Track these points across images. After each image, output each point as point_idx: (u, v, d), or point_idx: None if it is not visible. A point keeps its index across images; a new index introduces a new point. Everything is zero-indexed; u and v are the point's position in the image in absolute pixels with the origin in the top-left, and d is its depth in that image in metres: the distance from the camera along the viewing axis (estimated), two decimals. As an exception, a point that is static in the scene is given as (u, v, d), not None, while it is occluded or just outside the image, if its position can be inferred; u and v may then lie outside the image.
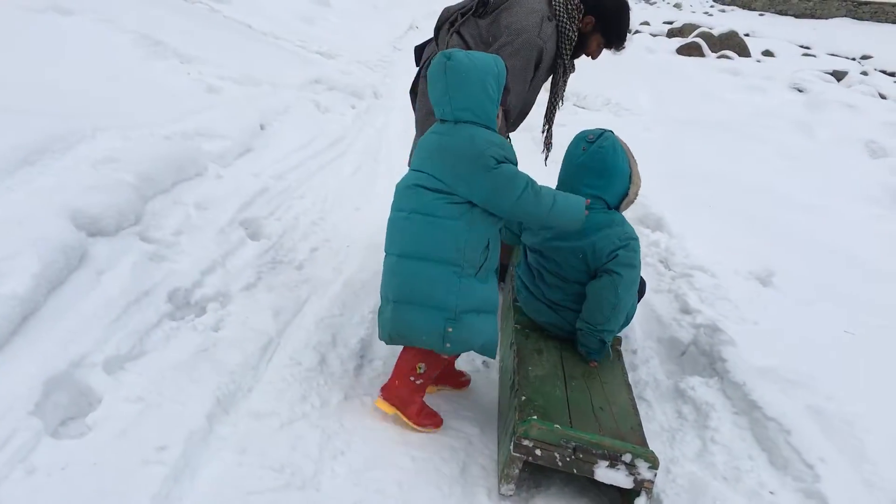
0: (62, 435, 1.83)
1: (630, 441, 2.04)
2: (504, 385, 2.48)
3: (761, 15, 25.69)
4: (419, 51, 3.05)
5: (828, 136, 7.53)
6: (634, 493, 2.01)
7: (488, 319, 2.20)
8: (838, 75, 12.51)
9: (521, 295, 2.69)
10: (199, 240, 2.83)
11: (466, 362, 2.66)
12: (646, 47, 13.58)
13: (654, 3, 28.80)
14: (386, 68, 8.41)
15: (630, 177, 2.51)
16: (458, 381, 2.55)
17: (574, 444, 1.99)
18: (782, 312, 3.23)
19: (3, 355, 1.88)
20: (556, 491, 2.14)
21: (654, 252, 3.83)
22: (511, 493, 2.06)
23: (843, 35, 19.27)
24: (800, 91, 10.57)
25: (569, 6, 2.76)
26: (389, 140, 5.50)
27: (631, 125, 6.69)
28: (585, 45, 2.88)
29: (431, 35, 3.00)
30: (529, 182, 2.13)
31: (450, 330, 2.11)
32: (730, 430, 2.44)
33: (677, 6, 27.65)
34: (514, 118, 2.92)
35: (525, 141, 4.75)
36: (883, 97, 11.02)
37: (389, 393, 2.24)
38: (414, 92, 3.05)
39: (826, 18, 24.27)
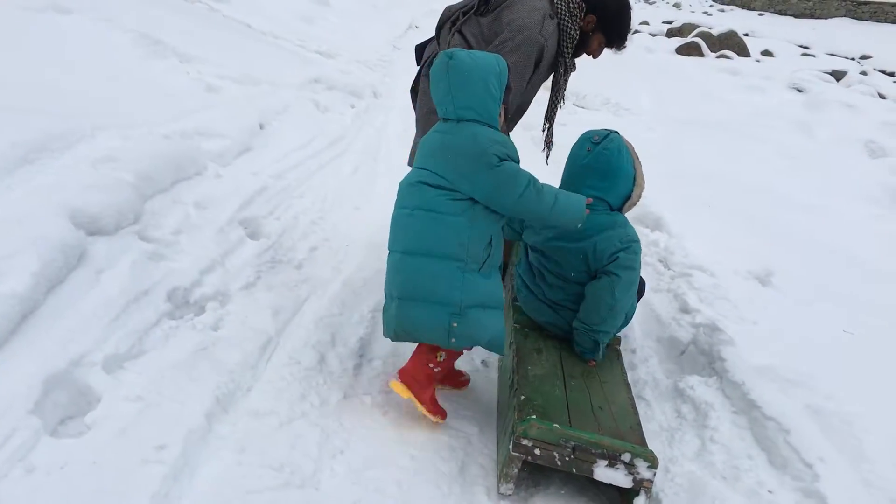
0: (61, 434, 1.83)
1: (629, 440, 2.04)
2: (503, 384, 2.49)
3: (760, 15, 25.71)
4: (420, 50, 3.05)
5: (827, 135, 7.54)
6: (633, 492, 2.01)
7: (494, 315, 2.20)
8: (837, 75, 12.53)
9: (521, 294, 2.69)
10: (198, 239, 2.83)
11: (466, 362, 2.66)
12: (645, 47, 13.59)
13: (654, 2, 28.81)
14: (385, 68, 8.41)
15: (634, 179, 2.51)
16: (458, 380, 2.55)
17: (573, 443, 1.99)
18: (781, 312, 3.23)
19: (3, 354, 1.87)
20: (554, 490, 2.14)
21: (654, 251, 3.83)
22: (510, 492, 2.06)
23: (842, 35, 19.29)
24: (799, 91, 10.59)
25: (571, 5, 2.76)
26: (389, 139, 5.50)
27: (630, 125, 6.69)
28: (587, 44, 2.88)
29: (431, 34, 3.00)
30: (531, 180, 2.15)
31: (455, 325, 2.11)
32: (729, 429, 2.44)
33: (676, 6, 27.66)
34: (511, 115, 2.91)
35: (525, 140, 4.76)
36: (882, 97, 11.04)
37: (407, 376, 2.23)
38: (414, 91, 3.05)
39: (825, 18, 24.30)
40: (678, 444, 2.40)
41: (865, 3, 24.16)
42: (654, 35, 17.11)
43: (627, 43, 2.93)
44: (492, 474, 2.15)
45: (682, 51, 13.87)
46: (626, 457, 1.97)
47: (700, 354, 2.89)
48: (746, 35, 16.62)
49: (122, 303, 2.26)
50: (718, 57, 13.56)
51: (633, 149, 2.54)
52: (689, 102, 8.66)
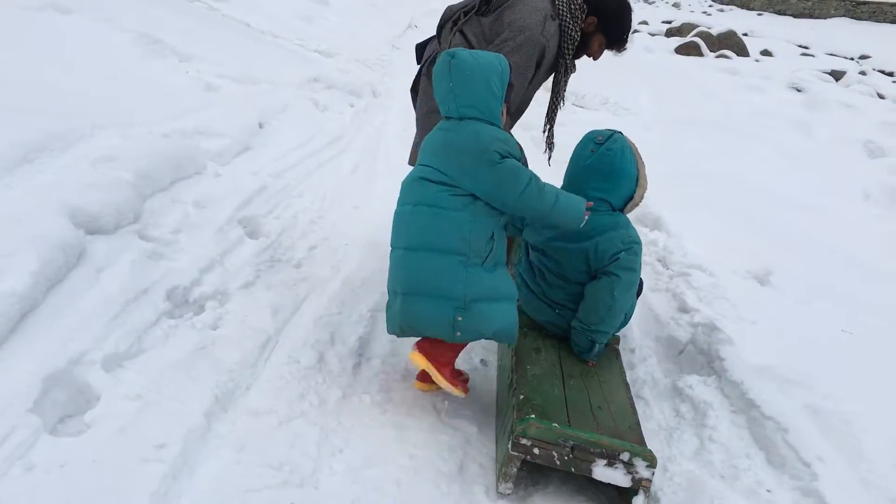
0: (61, 432, 1.83)
1: (628, 440, 2.04)
2: (502, 384, 2.49)
3: (760, 14, 25.70)
4: (420, 49, 3.05)
5: (826, 135, 7.54)
6: (632, 491, 2.01)
7: (501, 307, 2.20)
8: (837, 75, 12.52)
9: (521, 293, 2.69)
10: (197, 238, 2.83)
11: (465, 361, 2.67)
12: (644, 47, 13.58)
13: (653, 2, 28.78)
14: (385, 67, 8.40)
15: (637, 179, 2.51)
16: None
17: (572, 442, 1.99)
18: (780, 312, 3.23)
19: (2, 353, 1.88)
20: (553, 489, 2.15)
21: (653, 251, 3.83)
22: (509, 491, 2.06)
23: (841, 35, 19.28)
24: (798, 91, 10.59)
25: (572, 6, 2.76)
26: (388, 139, 5.50)
27: (630, 125, 6.69)
28: (587, 46, 2.89)
29: (431, 34, 3.00)
30: (533, 177, 2.16)
31: (459, 319, 2.12)
32: (727, 428, 2.44)
33: (676, 5, 27.64)
34: (510, 115, 2.92)
35: (525, 140, 4.75)
36: (881, 97, 11.04)
37: (425, 346, 2.23)
38: (414, 90, 3.05)
39: (824, 18, 24.28)
40: (677, 443, 2.40)
41: (864, 3, 24.16)
42: (653, 35, 17.10)
43: (627, 45, 2.93)
44: (491, 473, 2.16)
45: (681, 50, 13.87)
46: (625, 456, 1.97)
47: (699, 354, 2.89)
48: (745, 35, 16.61)
49: (122, 302, 2.26)
50: (718, 57, 13.57)
51: (636, 149, 2.54)
52: (688, 102, 8.66)
